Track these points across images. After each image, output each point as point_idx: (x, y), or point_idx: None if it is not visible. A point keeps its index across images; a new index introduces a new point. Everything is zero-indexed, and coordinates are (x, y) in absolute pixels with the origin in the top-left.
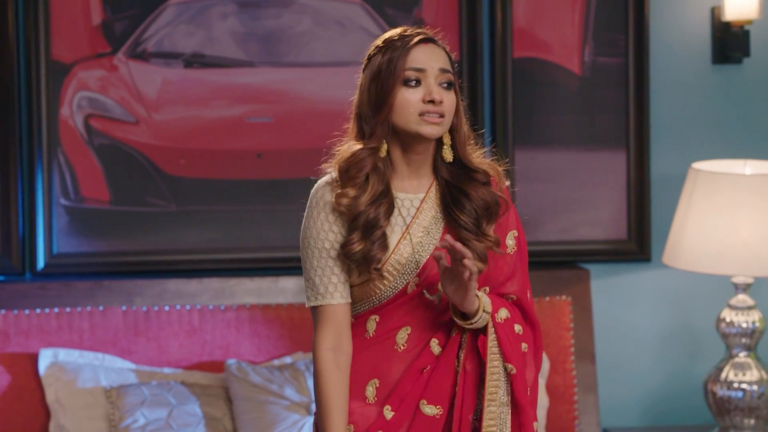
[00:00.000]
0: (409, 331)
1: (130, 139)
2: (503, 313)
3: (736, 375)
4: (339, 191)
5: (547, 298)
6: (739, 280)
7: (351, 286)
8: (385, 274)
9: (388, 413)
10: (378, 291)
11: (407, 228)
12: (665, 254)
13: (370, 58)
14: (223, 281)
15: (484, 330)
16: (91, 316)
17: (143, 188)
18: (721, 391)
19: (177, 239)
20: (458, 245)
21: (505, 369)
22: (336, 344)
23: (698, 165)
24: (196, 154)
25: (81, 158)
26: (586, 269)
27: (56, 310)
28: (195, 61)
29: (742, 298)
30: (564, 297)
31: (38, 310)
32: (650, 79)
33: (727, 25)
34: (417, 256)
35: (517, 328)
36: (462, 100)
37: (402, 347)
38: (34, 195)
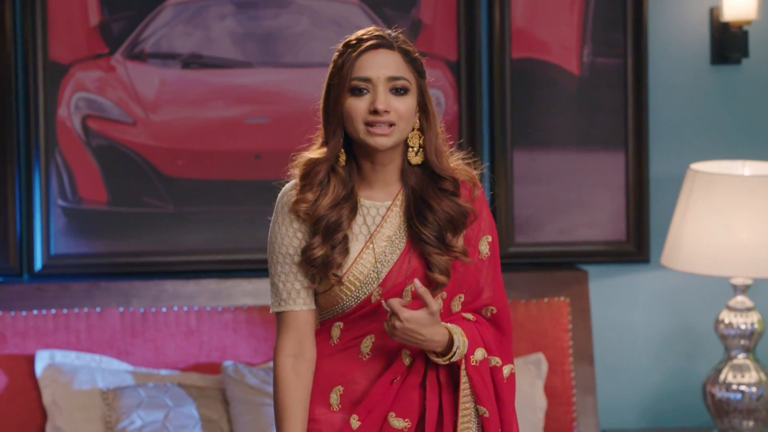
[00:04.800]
0: (372, 340)
1: (128, 139)
2: (479, 354)
3: (734, 377)
4: (298, 197)
5: (546, 300)
6: (737, 281)
7: (316, 294)
8: (347, 283)
9: (355, 422)
10: (341, 300)
11: (371, 237)
12: (664, 255)
13: (332, 62)
14: (221, 282)
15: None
16: (88, 318)
17: (141, 189)
18: (719, 393)
19: (174, 240)
20: (390, 304)
21: (477, 411)
22: (297, 351)
23: (697, 166)
24: (193, 154)
25: (78, 159)
26: (585, 270)
27: (53, 311)
28: (193, 61)
29: (740, 300)
30: (562, 298)
31: (35, 312)
32: (649, 79)
33: (726, 26)
34: (379, 266)
35: (495, 361)
36: (435, 103)
37: (366, 356)
38: (31, 196)
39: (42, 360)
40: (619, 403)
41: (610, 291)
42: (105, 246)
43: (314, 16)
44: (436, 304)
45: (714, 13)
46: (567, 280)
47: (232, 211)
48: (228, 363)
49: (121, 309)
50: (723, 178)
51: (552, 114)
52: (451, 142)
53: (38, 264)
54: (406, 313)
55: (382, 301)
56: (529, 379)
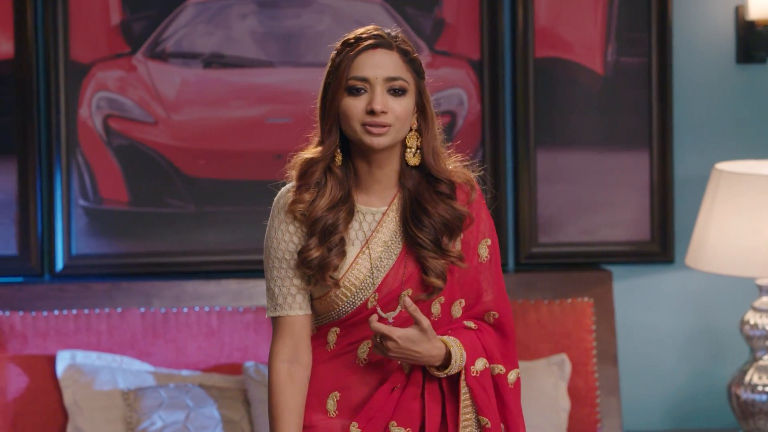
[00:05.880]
0: (369, 345)
1: (149, 139)
2: (480, 365)
3: (760, 378)
4: (295, 197)
5: (569, 300)
6: (763, 282)
7: (312, 299)
8: (343, 289)
9: (355, 430)
10: (337, 306)
11: (367, 242)
12: (688, 256)
13: (330, 61)
14: (242, 283)
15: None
16: (109, 318)
17: (162, 189)
18: (744, 395)
19: (195, 240)
20: (377, 328)
21: (479, 421)
22: (292, 356)
23: (722, 165)
24: (215, 154)
25: (100, 159)
26: (609, 271)
27: (74, 311)
28: (214, 61)
29: (766, 301)
30: (586, 299)
31: (56, 312)
32: (673, 78)
33: (752, 24)
34: (375, 272)
35: (498, 369)
36: (433, 104)
37: (363, 361)
38: (52, 196)
39: (63, 360)
40: (644, 405)
41: (634, 291)
42: (126, 246)
43: (336, 16)
44: (426, 320)
45: (739, 12)
46: (590, 280)
47: (254, 212)
48: (249, 363)
49: (142, 309)
50: (748, 177)
51: (575, 113)
52: (449, 144)
53: (59, 264)
54: (397, 332)
55: (370, 324)
56: (553, 380)
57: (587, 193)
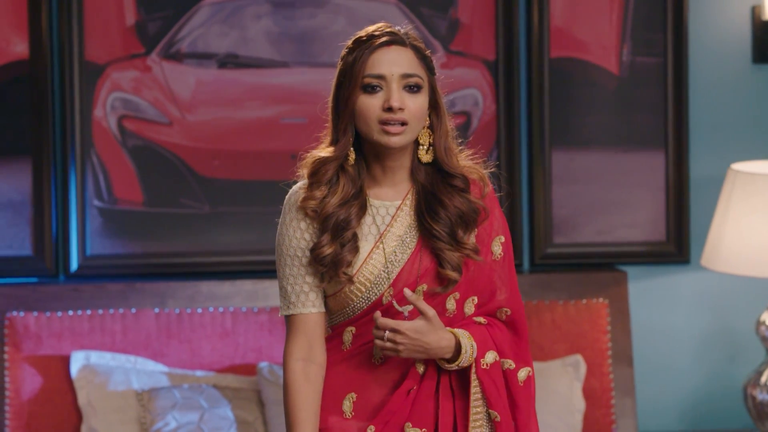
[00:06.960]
0: None
1: (164, 140)
2: (490, 358)
3: None
4: (306, 194)
5: (584, 301)
6: None
7: (326, 296)
8: (357, 284)
9: None
10: (351, 302)
11: (381, 237)
12: (704, 256)
13: (341, 59)
14: (257, 283)
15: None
16: (123, 319)
17: (177, 190)
18: (760, 395)
19: (210, 241)
20: (385, 323)
21: (489, 415)
22: (306, 354)
23: (737, 166)
24: (229, 155)
25: (114, 159)
26: (624, 271)
27: (89, 312)
28: (229, 61)
29: None
30: (601, 299)
31: (71, 312)
32: (689, 78)
33: None
34: (390, 266)
35: (508, 364)
36: (443, 99)
37: (379, 360)
38: (67, 196)
39: (77, 361)
40: (659, 406)
41: (649, 292)
42: (141, 247)
43: (351, 16)
44: (431, 310)
45: (755, 12)
46: (606, 281)
47: (269, 212)
48: (263, 364)
49: (157, 310)
50: (764, 178)
51: (591, 114)
52: (460, 140)
53: (74, 265)
54: (405, 325)
55: (376, 320)
56: (568, 381)
57: (602, 194)
